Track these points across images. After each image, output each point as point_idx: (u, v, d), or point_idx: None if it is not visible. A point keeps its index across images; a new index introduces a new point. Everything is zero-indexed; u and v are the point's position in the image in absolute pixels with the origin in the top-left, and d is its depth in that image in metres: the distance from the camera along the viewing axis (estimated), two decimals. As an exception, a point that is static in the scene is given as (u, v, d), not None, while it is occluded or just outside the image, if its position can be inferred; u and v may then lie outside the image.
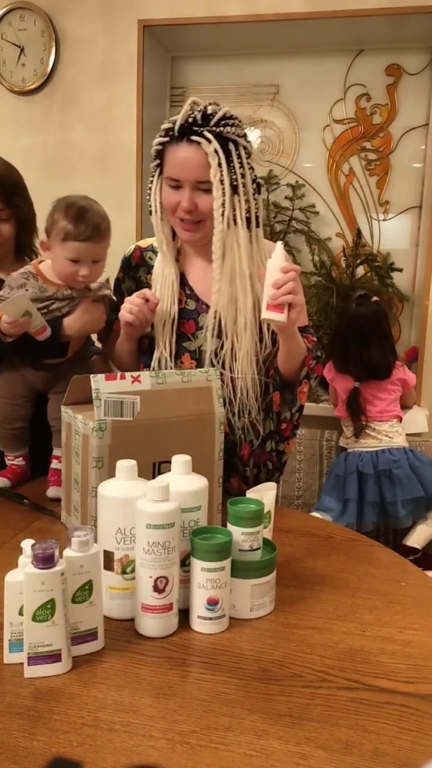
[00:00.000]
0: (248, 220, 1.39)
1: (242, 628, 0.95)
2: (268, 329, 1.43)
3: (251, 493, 1.08)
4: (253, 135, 3.03)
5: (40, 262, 1.43)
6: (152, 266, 1.51)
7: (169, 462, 0.99)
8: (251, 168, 1.40)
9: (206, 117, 1.32)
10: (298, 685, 0.83)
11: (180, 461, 0.98)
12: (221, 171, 1.33)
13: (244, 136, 1.38)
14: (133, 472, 0.96)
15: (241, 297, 1.40)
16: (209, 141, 1.31)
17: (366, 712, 0.78)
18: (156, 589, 0.90)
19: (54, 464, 1.44)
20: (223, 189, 1.34)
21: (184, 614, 0.95)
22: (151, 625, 0.92)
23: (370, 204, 2.94)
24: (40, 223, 1.70)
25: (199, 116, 1.32)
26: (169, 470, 0.99)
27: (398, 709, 0.79)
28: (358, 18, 2.53)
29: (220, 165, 1.32)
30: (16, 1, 2.82)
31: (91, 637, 0.88)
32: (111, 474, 0.99)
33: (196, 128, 1.32)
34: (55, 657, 0.83)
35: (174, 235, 1.47)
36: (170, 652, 0.89)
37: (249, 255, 1.40)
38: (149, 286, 1.49)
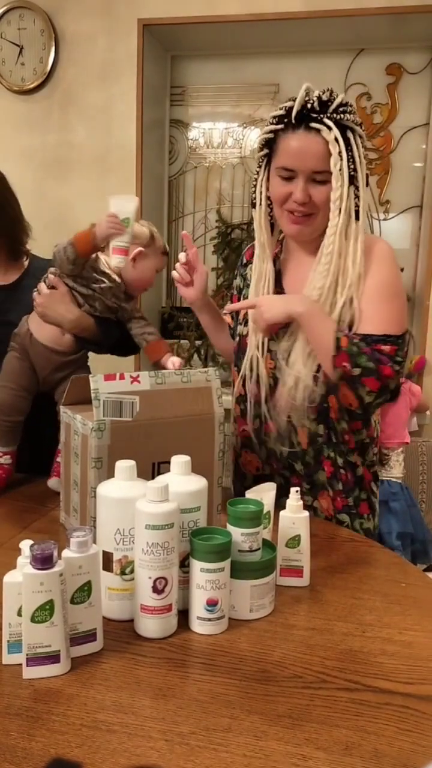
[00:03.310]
0: (357, 213, 1.33)
1: (242, 629, 0.95)
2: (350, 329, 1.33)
3: (251, 494, 1.07)
4: (253, 135, 3.03)
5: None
6: None
7: (169, 462, 0.99)
8: (366, 158, 1.33)
9: (324, 103, 1.26)
10: (298, 686, 0.83)
11: (179, 462, 0.98)
12: (341, 160, 1.26)
13: (360, 124, 1.31)
14: (133, 473, 0.96)
15: (340, 298, 1.32)
16: (330, 128, 1.25)
17: (366, 713, 0.78)
18: (155, 589, 0.90)
19: (60, 457, 1.43)
20: (342, 179, 1.27)
21: (184, 615, 0.95)
22: (150, 626, 0.92)
23: (370, 203, 2.94)
24: (33, 221, 1.71)
25: (316, 102, 1.25)
26: (169, 471, 0.99)
27: (398, 710, 0.79)
28: (359, 17, 2.53)
29: (340, 154, 1.25)
30: (15, 0, 2.82)
31: (90, 638, 0.88)
32: (110, 474, 0.99)
33: (314, 115, 1.26)
34: (53, 658, 0.83)
35: (272, 229, 1.43)
36: (169, 653, 0.89)
37: (354, 251, 1.32)
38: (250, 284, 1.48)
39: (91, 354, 1.54)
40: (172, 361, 1.43)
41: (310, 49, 2.86)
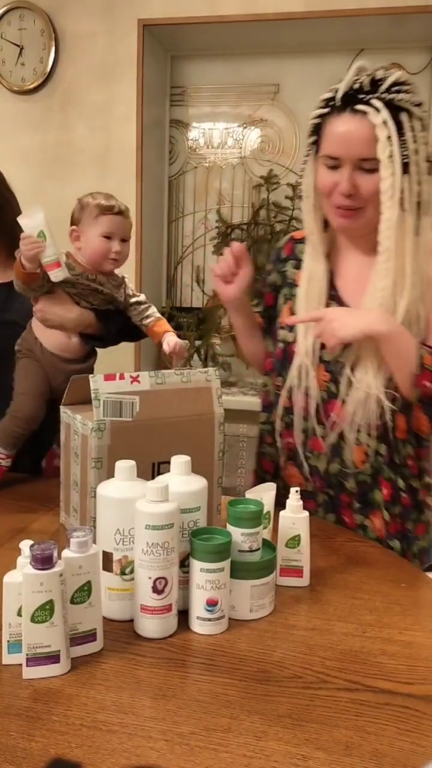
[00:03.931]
0: (418, 205, 1.19)
1: (242, 629, 0.95)
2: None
3: (250, 494, 1.07)
4: (253, 135, 3.04)
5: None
6: (302, 261, 1.36)
7: (169, 462, 0.99)
8: (426, 143, 1.18)
9: (375, 83, 1.14)
10: (298, 686, 0.83)
11: (179, 462, 0.97)
12: (391, 146, 1.13)
13: (420, 104, 1.18)
14: (132, 473, 0.96)
15: (401, 301, 1.20)
16: (377, 110, 1.13)
17: (366, 714, 0.78)
18: (155, 590, 0.90)
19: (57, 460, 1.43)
20: (393, 168, 1.14)
21: (184, 615, 0.95)
22: (150, 626, 0.91)
23: None
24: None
25: (367, 82, 1.14)
26: (169, 471, 0.99)
27: (398, 710, 0.79)
28: (358, 17, 2.53)
29: (389, 139, 1.13)
30: (15, 0, 2.82)
31: (90, 638, 0.88)
32: (110, 474, 0.99)
33: (362, 96, 1.14)
34: (53, 658, 0.83)
35: (326, 225, 1.31)
36: (169, 653, 0.89)
37: (415, 248, 1.20)
38: (294, 285, 1.36)
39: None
40: (167, 342, 1.43)
41: (310, 49, 2.86)
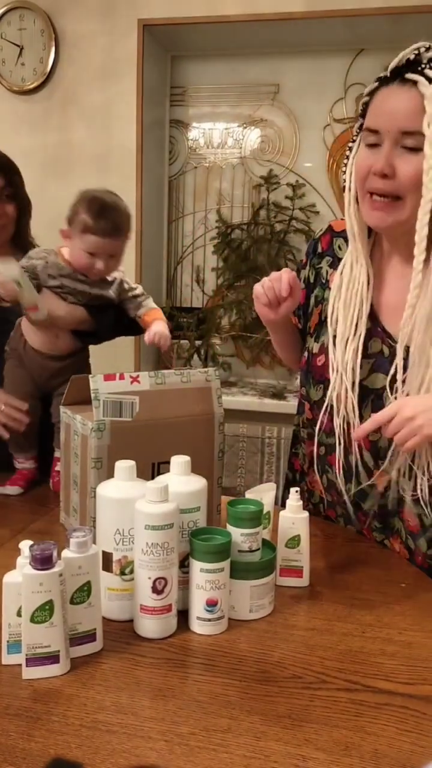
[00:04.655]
0: None
1: (241, 630, 0.94)
2: None
3: (250, 494, 1.07)
4: (253, 135, 3.04)
5: (62, 247, 1.43)
6: (340, 259, 1.22)
7: (168, 462, 0.99)
8: None
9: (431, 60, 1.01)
10: (298, 686, 0.83)
11: (179, 462, 0.97)
12: None
13: None
14: (132, 473, 0.96)
15: None
16: (430, 81, 0.99)
17: (365, 714, 0.78)
18: (155, 590, 0.90)
19: (58, 466, 1.43)
20: None
21: (183, 615, 0.95)
22: (149, 627, 0.91)
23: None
24: (33, 221, 1.70)
25: (425, 55, 1.01)
26: (168, 471, 0.99)
27: (398, 710, 0.79)
28: (358, 17, 2.52)
29: None
30: (15, 0, 2.82)
31: (89, 638, 0.88)
32: (110, 474, 0.99)
33: (416, 66, 1.01)
34: (53, 658, 0.83)
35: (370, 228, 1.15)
36: (169, 653, 0.89)
37: None
38: (327, 286, 1.22)
39: (91, 354, 1.53)
40: (149, 332, 1.40)
41: (310, 49, 2.86)
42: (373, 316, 1.18)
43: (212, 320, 2.96)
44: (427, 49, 1.03)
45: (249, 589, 0.96)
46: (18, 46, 2.86)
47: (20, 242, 1.61)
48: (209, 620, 0.93)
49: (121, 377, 1.13)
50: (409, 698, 0.81)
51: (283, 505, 1.07)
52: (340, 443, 1.16)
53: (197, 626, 0.93)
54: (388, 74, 1.05)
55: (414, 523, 1.19)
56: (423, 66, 1.02)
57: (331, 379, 1.17)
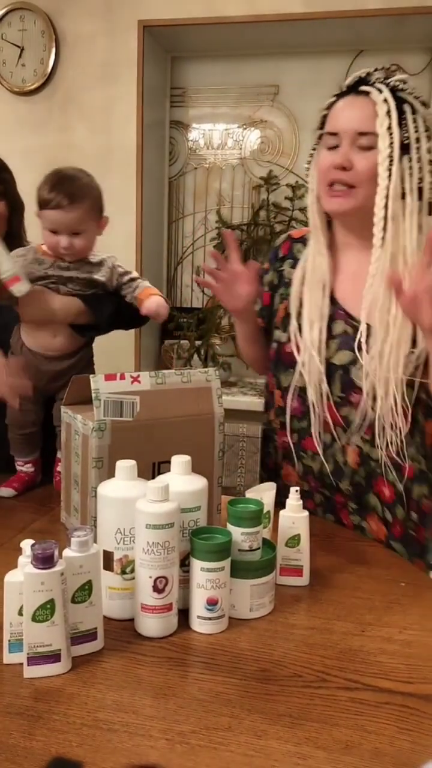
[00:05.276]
0: (420, 191, 1.17)
1: (242, 628, 0.95)
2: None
3: (250, 493, 1.08)
4: (253, 136, 3.04)
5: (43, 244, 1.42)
6: (299, 259, 1.35)
7: (169, 462, 0.99)
8: (429, 138, 1.18)
9: (382, 76, 1.20)
10: (298, 685, 0.83)
11: (179, 461, 0.98)
12: (390, 121, 1.14)
13: (425, 105, 1.19)
14: (133, 472, 0.96)
15: (393, 303, 1.16)
16: (380, 91, 1.16)
17: (366, 712, 0.78)
18: (155, 589, 0.90)
19: (60, 466, 1.42)
20: (391, 142, 1.14)
21: (184, 614, 0.95)
22: (150, 625, 0.92)
23: None
24: (33, 222, 1.70)
25: (374, 74, 1.20)
26: (169, 470, 0.99)
27: (398, 709, 0.79)
28: (358, 18, 2.53)
29: (389, 114, 1.14)
30: (16, 1, 2.82)
31: (90, 637, 0.88)
32: (111, 474, 0.99)
33: (368, 80, 1.20)
34: (54, 657, 0.83)
35: (329, 224, 1.29)
36: (170, 652, 0.89)
37: (415, 238, 1.16)
38: (290, 284, 1.33)
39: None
40: (150, 302, 1.39)
41: (310, 50, 2.86)
42: (334, 301, 1.30)
43: (212, 320, 2.96)
44: (376, 70, 1.22)
45: (249, 588, 0.96)
46: (18, 47, 2.86)
47: (13, 241, 1.62)
48: (210, 619, 0.93)
49: (122, 377, 1.13)
50: (409, 697, 0.81)
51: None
52: (314, 411, 1.27)
53: (198, 625, 0.94)
54: (345, 89, 1.23)
55: (389, 492, 1.27)
56: (373, 81, 1.20)
57: (300, 358, 1.28)
